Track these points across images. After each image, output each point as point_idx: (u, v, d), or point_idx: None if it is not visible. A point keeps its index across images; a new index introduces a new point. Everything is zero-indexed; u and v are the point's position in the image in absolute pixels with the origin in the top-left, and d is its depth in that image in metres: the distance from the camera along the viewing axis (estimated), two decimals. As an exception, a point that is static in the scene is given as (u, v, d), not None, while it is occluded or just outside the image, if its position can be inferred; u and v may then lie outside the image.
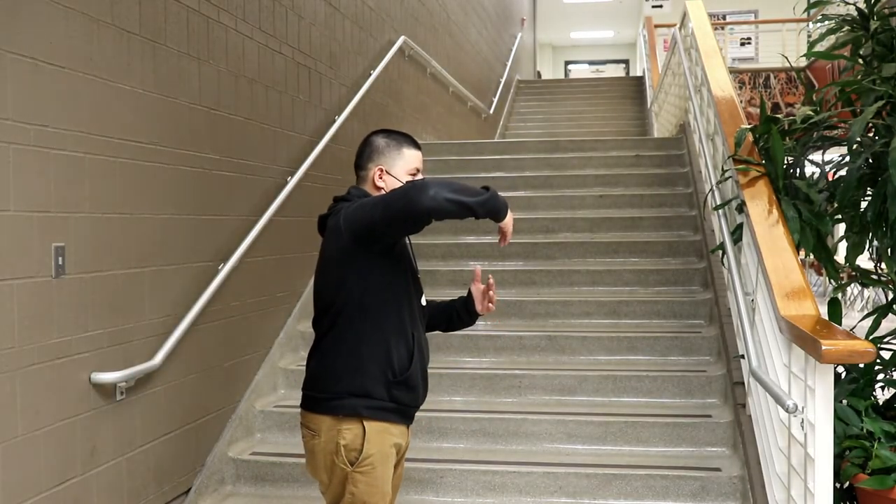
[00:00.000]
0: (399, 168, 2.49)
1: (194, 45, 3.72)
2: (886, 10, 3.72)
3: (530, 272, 5.45)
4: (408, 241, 2.54)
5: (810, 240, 3.46)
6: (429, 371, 2.56)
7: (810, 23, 11.83)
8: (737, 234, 3.86)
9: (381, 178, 2.48)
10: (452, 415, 4.16)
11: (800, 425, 2.69)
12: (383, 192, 2.44)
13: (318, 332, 2.42)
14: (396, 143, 2.51)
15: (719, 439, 3.91)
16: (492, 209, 2.25)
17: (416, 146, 2.56)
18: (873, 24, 3.66)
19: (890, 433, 3.01)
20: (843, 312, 3.62)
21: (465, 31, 10.15)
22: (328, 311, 2.37)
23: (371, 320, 2.34)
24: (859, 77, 3.66)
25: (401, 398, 2.38)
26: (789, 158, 3.87)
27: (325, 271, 2.40)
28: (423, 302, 2.58)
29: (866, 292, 11.89)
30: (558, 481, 3.70)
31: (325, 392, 2.35)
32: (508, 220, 2.39)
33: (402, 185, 2.36)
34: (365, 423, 2.32)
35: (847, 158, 3.57)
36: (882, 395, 3.60)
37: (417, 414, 3.93)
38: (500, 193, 2.32)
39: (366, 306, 2.34)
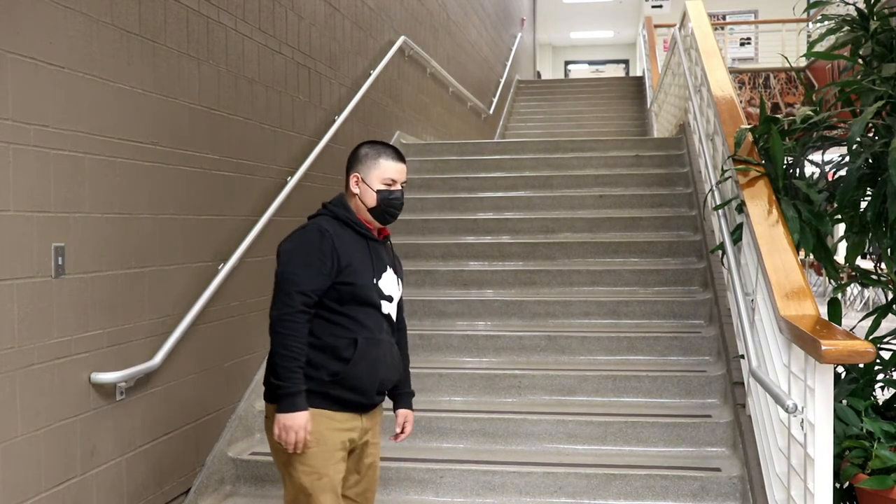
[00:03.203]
0: (373, 177, 2.64)
1: (194, 45, 3.72)
2: (886, 10, 3.72)
3: (530, 272, 5.45)
4: (370, 255, 2.64)
5: (810, 240, 3.46)
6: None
7: (810, 23, 11.83)
8: (737, 234, 3.86)
9: (356, 184, 2.66)
10: (452, 415, 4.16)
11: (800, 425, 2.69)
12: (358, 197, 2.65)
13: None
14: (376, 153, 2.66)
15: (719, 439, 3.91)
16: (281, 393, 2.44)
17: (398, 158, 2.69)
18: (873, 25, 3.66)
19: (890, 433, 3.01)
20: (843, 312, 3.62)
21: (465, 31, 10.15)
22: None
23: (317, 323, 2.54)
24: (859, 77, 3.66)
25: (339, 393, 2.54)
26: (789, 158, 3.88)
27: None
28: (392, 307, 2.70)
29: (866, 292, 11.89)
30: (558, 481, 3.70)
31: (271, 382, 2.54)
32: (285, 419, 2.44)
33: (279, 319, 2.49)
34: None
35: (847, 158, 3.57)
36: (882, 395, 3.60)
37: (417, 414, 3.97)
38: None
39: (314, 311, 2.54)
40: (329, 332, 2.54)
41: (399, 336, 2.84)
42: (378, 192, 2.63)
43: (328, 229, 2.55)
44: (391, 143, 2.73)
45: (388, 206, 2.65)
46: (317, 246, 2.51)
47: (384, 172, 2.64)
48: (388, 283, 2.67)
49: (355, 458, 2.70)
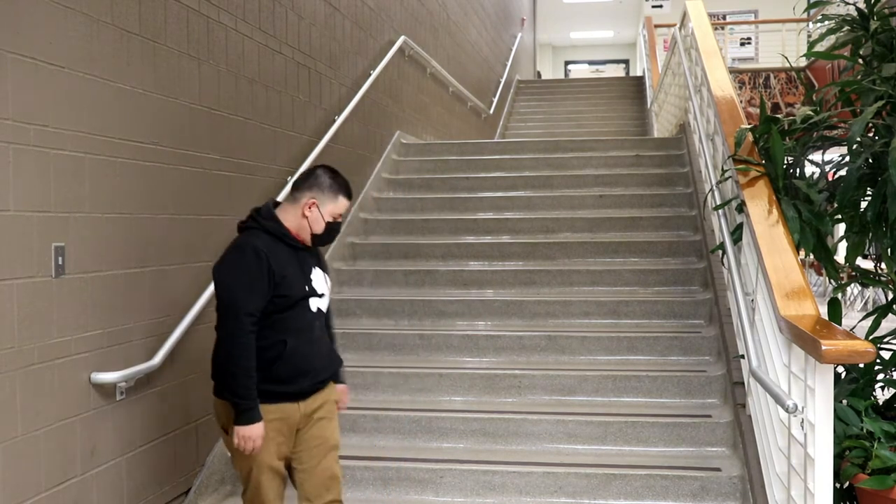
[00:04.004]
0: (328, 209, 2.87)
1: (194, 45, 3.72)
2: (886, 10, 3.72)
3: (530, 272, 5.45)
4: (299, 263, 2.85)
5: (810, 240, 3.46)
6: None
7: (810, 23, 11.83)
8: (737, 233, 3.86)
9: (310, 209, 2.85)
10: (452, 415, 4.16)
11: (800, 425, 2.69)
12: (307, 220, 2.85)
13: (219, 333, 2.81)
14: (338, 187, 2.89)
15: (719, 439, 3.91)
16: (240, 409, 2.70)
17: (350, 197, 2.94)
18: (873, 24, 3.66)
19: (890, 433, 3.01)
20: (843, 312, 3.62)
21: (465, 31, 10.15)
22: None
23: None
24: (859, 77, 3.66)
25: (273, 388, 2.78)
26: (789, 158, 3.88)
27: None
28: (322, 302, 2.93)
29: (866, 292, 11.89)
30: (558, 481, 3.70)
31: (217, 380, 2.82)
32: (244, 431, 2.69)
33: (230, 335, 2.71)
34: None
35: (847, 158, 3.57)
36: (882, 395, 3.61)
37: (417, 414, 4.06)
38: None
39: None
40: (262, 336, 2.74)
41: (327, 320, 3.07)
42: (327, 223, 2.88)
43: (262, 248, 2.74)
44: (345, 177, 2.98)
45: (330, 235, 2.93)
46: (255, 268, 2.71)
47: (338, 209, 2.89)
48: (318, 281, 2.90)
49: (307, 439, 2.89)
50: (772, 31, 13.75)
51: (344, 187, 2.91)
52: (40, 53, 2.75)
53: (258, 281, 2.71)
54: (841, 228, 3.91)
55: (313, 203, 2.84)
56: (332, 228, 2.91)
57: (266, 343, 2.75)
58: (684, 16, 7.20)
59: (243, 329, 2.68)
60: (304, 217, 2.85)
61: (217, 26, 3.92)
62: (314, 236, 2.88)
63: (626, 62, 24.72)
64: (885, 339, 3.60)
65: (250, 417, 2.69)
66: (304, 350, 2.82)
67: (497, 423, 4.10)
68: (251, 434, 2.69)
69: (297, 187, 2.88)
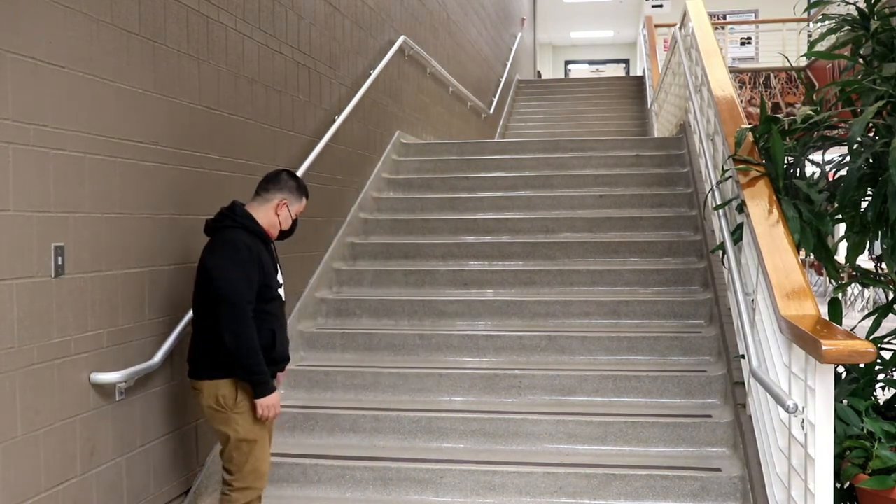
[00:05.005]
0: (295, 208, 3.33)
1: (194, 45, 3.72)
2: (887, 10, 3.72)
3: (530, 272, 5.45)
4: (272, 257, 3.22)
5: (811, 240, 3.46)
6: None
7: (810, 22, 11.83)
8: (737, 233, 3.86)
9: (282, 208, 3.26)
10: (452, 415, 4.16)
11: (800, 425, 2.69)
12: (278, 218, 3.25)
13: (204, 321, 3.10)
14: (302, 191, 3.35)
15: (719, 439, 3.91)
16: (258, 382, 3.03)
17: (308, 197, 3.39)
18: (874, 24, 3.66)
19: (890, 433, 3.01)
20: (844, 312, 3.62)
21: (465, 30, 10.15)
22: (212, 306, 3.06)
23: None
24: (860, 77, 3.66)
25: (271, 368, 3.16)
26: (789, 158, 3.88)
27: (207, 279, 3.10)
28: (283, 291, 3.31)
29: (867, 292, 11.89)
30: (558, 481, 3.70)
31: (208, 363, 3.08)
32: (266, 401, 3.05)
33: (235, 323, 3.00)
34: (238, 381, 3.08)
35: (847, 158, 3.57)
36: (882, 395, 3.61)
37: (417, 414, 4.12)
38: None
39: None
40: (256, 328, 3.05)
41: None
42: (293, 220, 3.33)
43: (250, 245, 3.09)
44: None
45: (292, 231, 3.36)
46: (249, 262, 3.05)
47: (301, 208, 3.36)
48: (279, 274, 3.28)
49: None
50: (772, 31, 13.75)
51: (306, 189, 3.37)
52: (40, 53, 2.74)
53: (252, 274, 3.04)
54: (841, 228, 3.91)
55: (284, 203, 3.26)
56: (295, 225, 3.36)
57: (263, 333, 3.08)
58: (684, 15, 7.20)
59: (247, 316, 2.99)
60: (276, 215, 3.25)
61: (217, 26, 3.92)
62: (282, 232, 3.31)
63: (627, 62, 24.71)
64: (886, 339, 3.60)
65: (268, 388, 3.05)
66: (282, 337, 3.23)
67: (497, 423, 4.10)
68: (272, 402, 3.06)
69: (266, 189, 3.26)
